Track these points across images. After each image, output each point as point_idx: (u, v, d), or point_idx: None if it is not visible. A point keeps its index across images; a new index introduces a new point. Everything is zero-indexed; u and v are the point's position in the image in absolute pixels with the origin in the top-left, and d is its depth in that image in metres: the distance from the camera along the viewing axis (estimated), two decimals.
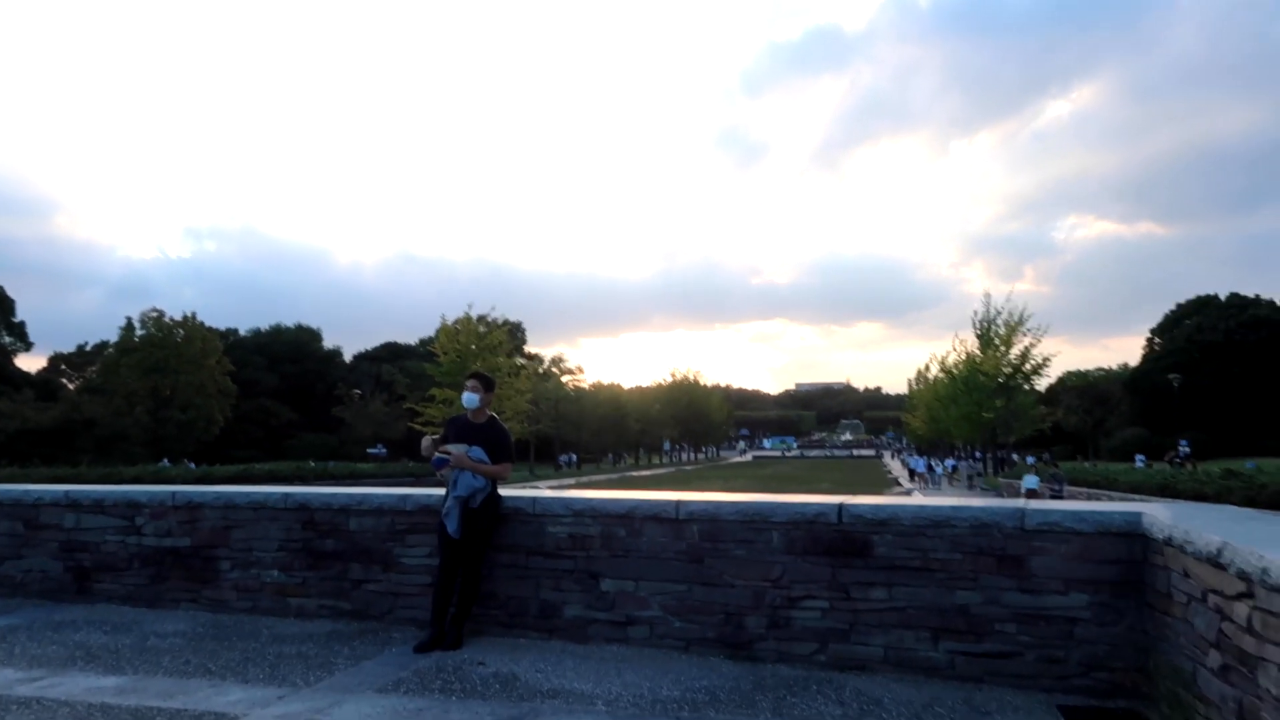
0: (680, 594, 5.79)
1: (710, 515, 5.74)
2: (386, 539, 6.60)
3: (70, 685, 5.03)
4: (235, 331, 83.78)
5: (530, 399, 59.35)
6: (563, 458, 72.44)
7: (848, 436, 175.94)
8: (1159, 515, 4.59)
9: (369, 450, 58.90)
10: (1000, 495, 37.05)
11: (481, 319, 56.08)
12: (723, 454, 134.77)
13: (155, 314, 48.75)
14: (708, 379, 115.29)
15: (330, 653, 5.77)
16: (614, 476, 58.14)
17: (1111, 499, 21.65)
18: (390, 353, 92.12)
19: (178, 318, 49.34)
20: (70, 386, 67.19)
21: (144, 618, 6.81)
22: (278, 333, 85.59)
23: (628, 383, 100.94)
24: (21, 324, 65.80)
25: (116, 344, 48.31)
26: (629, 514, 5.94)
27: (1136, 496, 20.19)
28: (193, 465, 36.53)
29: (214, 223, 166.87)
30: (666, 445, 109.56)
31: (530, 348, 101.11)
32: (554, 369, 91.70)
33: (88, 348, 67.63)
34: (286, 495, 6.87)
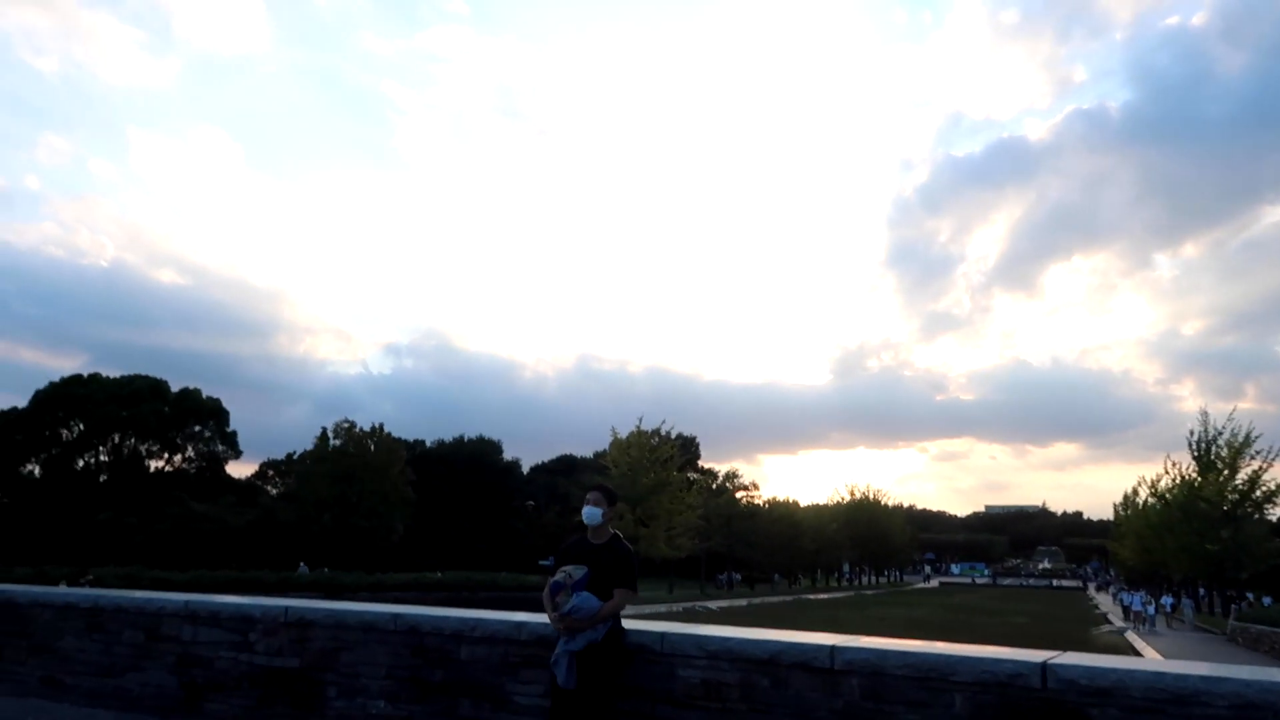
0: None
1: (873, 667, 4.62)
2: (499, 672, 5.81)
3: None
4: (422, 443, 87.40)
5: (701, 514, 58.09)
6: (721, 576, 69.95)
7: (1046, 565, 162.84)
8: None
9: (540, 562, 59.01)
10: (1229, 639, 32.40)
11: (655, 432, 55.78)
12: (906, 579, 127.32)
13: (347, 425, 51.40)
14: (889, 498, 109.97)
15: None
16: (788, 599, 55.44)
17: None
18: (566, 465, 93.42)
19: (368, 429, 51.98)
20: (273, 493, 71.57)
21: None
22: (460, 444, 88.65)
23: (806, 501, 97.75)
24: (234, 433, 71.18)
25: (310, 453, 51.14)
26: (772, 659, 4.90)
27: None
28: (305, 569, 36.85)
29: (412, 340, 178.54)
30: (846, 567, 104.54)
31: (706, 463, 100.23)
32: (728, 484, 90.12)
33: (295, 456, 72.07)
34: (396, 616, 6.23)
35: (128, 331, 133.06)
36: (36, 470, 64.59)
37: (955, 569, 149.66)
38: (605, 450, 57.03)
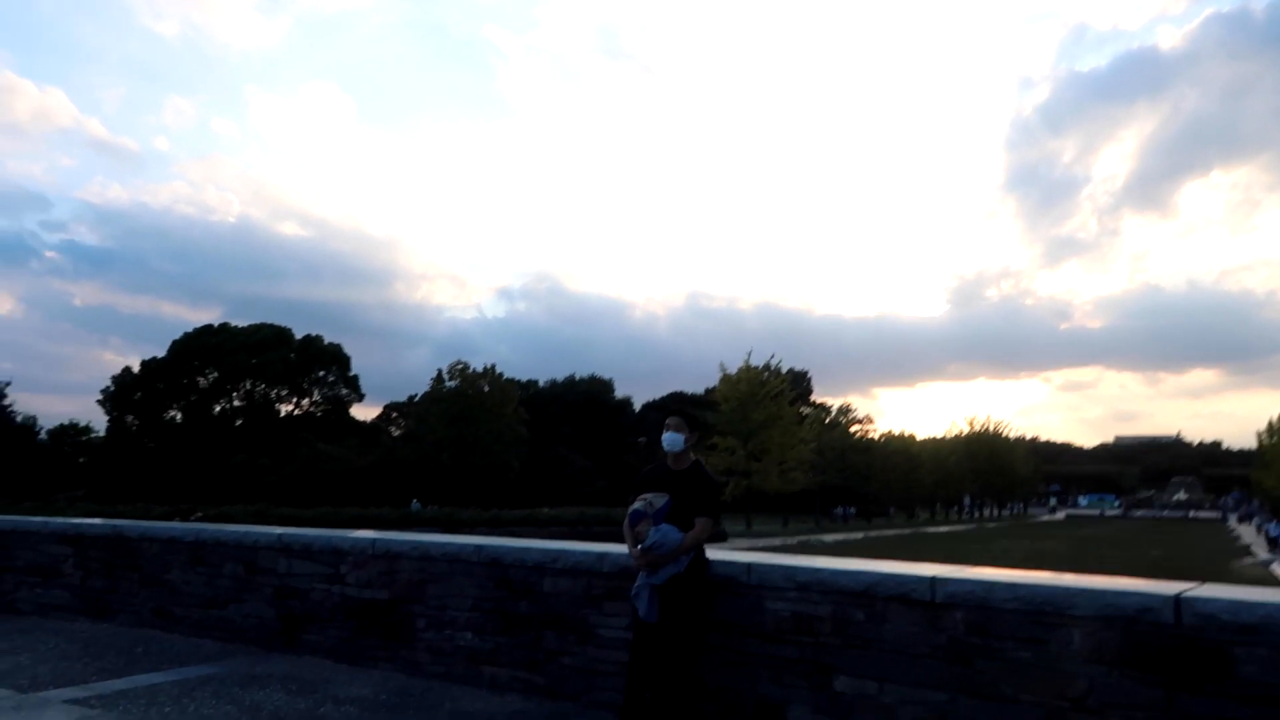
0: (940, 706, 4.26)
1: (979, 600, 4.19)
2: (583, 604, 5.61)
3: None
4: (535, 383, 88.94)
5: (815, 448, 57.45)
6: (836, 510, 69.12)
7: (1182, 496, 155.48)
8: None
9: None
10: None
11: (766, 366, 55.18)
12: (1031, 511, 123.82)
13: (461, 367, 52.56)
14: (1011, 430, 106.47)
15: None
16: (905, 532, 54.54)
17: None
18: (676, 402, 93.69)
19: (480, 370, 53.05)
20: (395, 434, 74.17)
21: (336, 677, 6.26)
22: (572, 384, 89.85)
23: (925, 434, 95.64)
24: (355, 377, 73.90)
25: (426, 395, 52.59)
26: (867, 592, 4.52)
27: None
28: (417, 505, 37.77)
29: (524, 284, 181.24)
30: (966, 500, 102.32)
31: (819, 397, 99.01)
32: (841, 418, 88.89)
33: (416, 399, 74.43)
34: (479, 548, 6.09)
35: (258, 283, 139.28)
36: (178, 416, 68.61)
37: (1083, 500, 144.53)
38: (715, 386, 56.80)
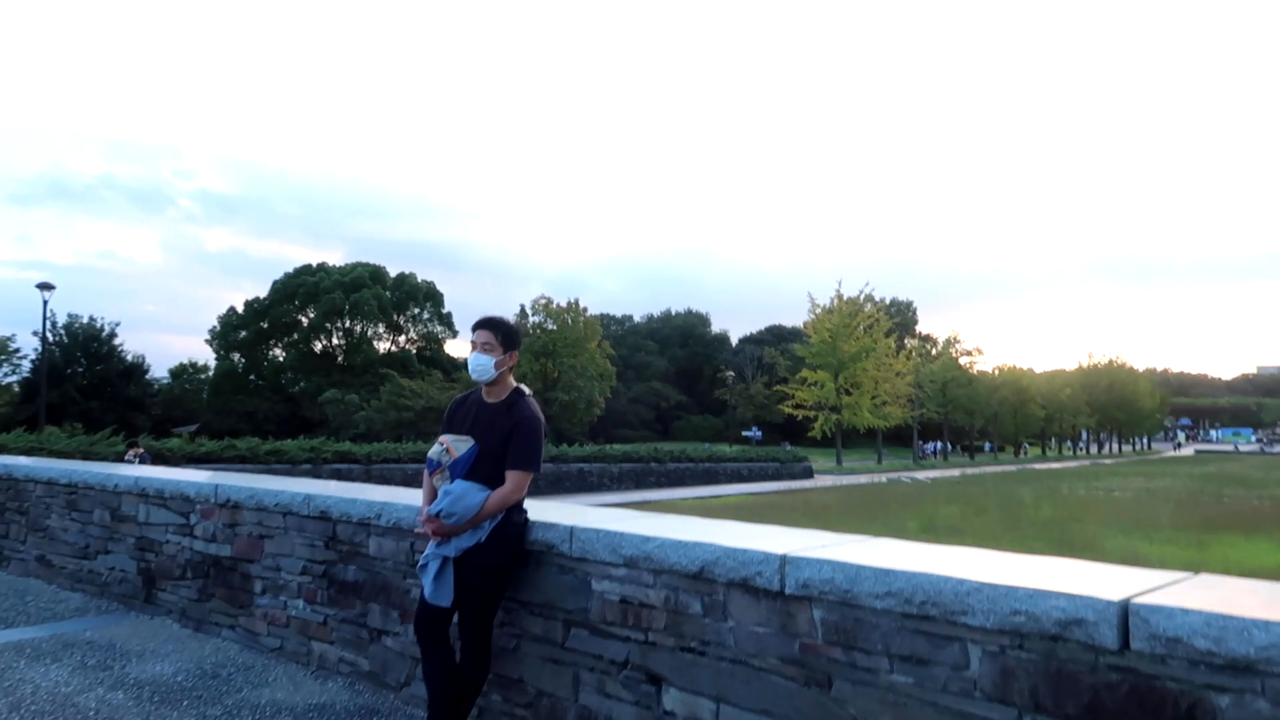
0: None
1: (841, 594, 2.76)
2: (406, 572, 4.39)
3: None
4: (630, 318, 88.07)
5: (911, 382, 54.84)
6: (928, 446, 65.98)
7: None
8: None
9: (744, 434, 58.18)
10: None
11: (868, 298, 52.53)
12: (1155, 446, 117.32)
13: (544, 302, 51.79)
14: (1135, 361, 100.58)
15: None
16: (1010, 469, 51.71)
17: None
18: (775, 335, 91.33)
19: (564, 305, 52.24)
20: None
21: (163, 648, 5.25)
22: (667, 318, 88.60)
23: (1040, 359, 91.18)
24: (449, 314, 74.25)
25: None
26: (704, 573, 3.14)
27: None
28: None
29: (634, 222, 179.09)
30: (1084, 435, 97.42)
31: (928, 330, 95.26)
32: (948, 349, 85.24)
33: None
34: (308, 499, 4.92)
35: (374, 224, 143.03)
36: (281, 354, 70.45)
37: (1215, 435, 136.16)
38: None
